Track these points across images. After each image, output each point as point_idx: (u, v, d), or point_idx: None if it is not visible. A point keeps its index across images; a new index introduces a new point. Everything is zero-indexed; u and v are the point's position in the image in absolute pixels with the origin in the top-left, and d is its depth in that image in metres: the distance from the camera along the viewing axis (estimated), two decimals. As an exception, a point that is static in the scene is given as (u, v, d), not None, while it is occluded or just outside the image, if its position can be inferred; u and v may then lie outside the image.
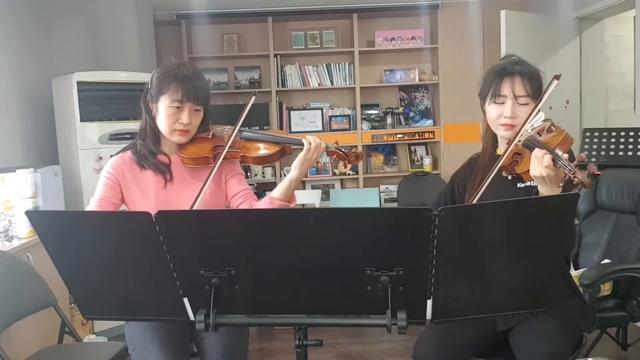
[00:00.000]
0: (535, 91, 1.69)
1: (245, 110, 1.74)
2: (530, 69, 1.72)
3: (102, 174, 1.81)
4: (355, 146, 4.99)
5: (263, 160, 1.85)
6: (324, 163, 5.07)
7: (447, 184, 1.96)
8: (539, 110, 1.64)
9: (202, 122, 1.84)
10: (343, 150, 1.82)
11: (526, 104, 1.68)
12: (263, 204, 1.79)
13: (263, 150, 1.82)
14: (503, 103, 1.70)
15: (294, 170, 1.76)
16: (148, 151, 1.82)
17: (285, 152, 1.84)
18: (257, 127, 4.87)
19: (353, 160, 1.82)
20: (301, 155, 1.76)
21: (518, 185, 1.70)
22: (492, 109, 1.73)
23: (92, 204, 1.77)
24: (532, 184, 1.64)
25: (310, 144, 1.75)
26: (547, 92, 1.58)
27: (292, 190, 1.78)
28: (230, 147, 1.78)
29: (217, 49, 5.02)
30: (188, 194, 1.80)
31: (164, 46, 4.87)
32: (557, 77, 1.56)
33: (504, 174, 1.69)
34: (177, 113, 1.76)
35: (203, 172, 1.82)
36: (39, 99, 3.63)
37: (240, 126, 1.82)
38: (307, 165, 1.76)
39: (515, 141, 1.63)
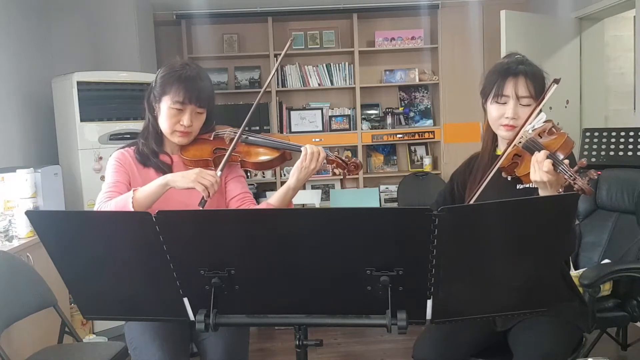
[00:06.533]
0: (539, 92, 1.67)
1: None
2: (534, 69, 1.70)
3: (110, 162, 1.80)
4: (356, 156, 5.00)
5: (262, 166, 1.84)
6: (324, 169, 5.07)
7: (446, 184, 1.96)
8: (539, 112, 1.64)
9: (205, 123, 1.83)
10: (343, 159, 1.78)
11: (528, 105, 1.67)
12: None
13: (263, 156, 1.80)
14: (505, 103, 1.68)
15: (291, 177, 1.74)
16: (150, 151, 1.82)
17: (285, 157, 1.82)
18: (257, 128, 4.89)
19: (353, 170, 1.78)
20: (298, 162, 1.73)
21: (517, 186, 1.69)
22: (493, 109, 1.71)
23: (106, 188, 1.74)
24: (531, 186, 1.64)
25: (306, 151, 1.72)
26: (546, 96, 1.58)
27: (290, 198, 1.77)
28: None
29: (217, 49, 5.03)
30: (188, 195, 1.80)
31: (164, 46, 4.88)
32: (556, 81, 1.55)
33: (503, 175, 1.68)
34: (179, 115, 1.75)
35: None
36: (39, 99, 3.63)
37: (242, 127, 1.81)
38: (304, 174, 1.72)
39: (516, 142, 1.62)
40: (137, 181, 1.79)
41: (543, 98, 1.59)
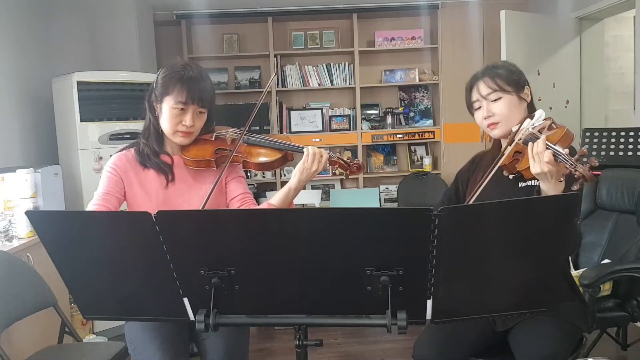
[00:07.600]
0: (505, 80, 1.76)
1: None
2: (493, 67, 1.82)
3: (105, 169, 1.80)
4: (356, 156, 4.99)
5: (264, 167, 1.84)
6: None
7: (452, 183, 1.97)
8: (531, 117, 1.67)
9: (205, 124, 1.83)
10: (345, 160, 1.81)
11: (499, 98, 1.76)
12: None
13: (265, 156, 1.81)
14: (480, 107, 1.82)
15: (292, 178, 1.75)
16: (151, 150, 1.82)
17: (287, 159, 1.83)
18: (257, 128, 4.89)
19: (355, 171, 1.81)
20: (300, 164, 1.74)
21: (519, 184, 1.70)
22: (476, 116, 1.87)
23: (95, 198, 1.74)
24: (533, 183, 1.64)
25: (309, 152, 1.73)
26: (523, 126, 1.66)
27: (291, 198, 1.78)
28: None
29: (217, 49, 5.03)
30: (189, 195, 1.80)
31: (164, 46, 4.88)
32: (530, 117, 1.68)
33: (505, 173, 1.68)
34: (181, 115, 1.76)
35: (205, 174, 1.83)
36: (39, 99, 3.63)
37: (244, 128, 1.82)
38: (306, 175, 1.74)
39: (516, 139, 1.63)
40: (134, 186, 1.79)
41: (516, 134, 1.66)
